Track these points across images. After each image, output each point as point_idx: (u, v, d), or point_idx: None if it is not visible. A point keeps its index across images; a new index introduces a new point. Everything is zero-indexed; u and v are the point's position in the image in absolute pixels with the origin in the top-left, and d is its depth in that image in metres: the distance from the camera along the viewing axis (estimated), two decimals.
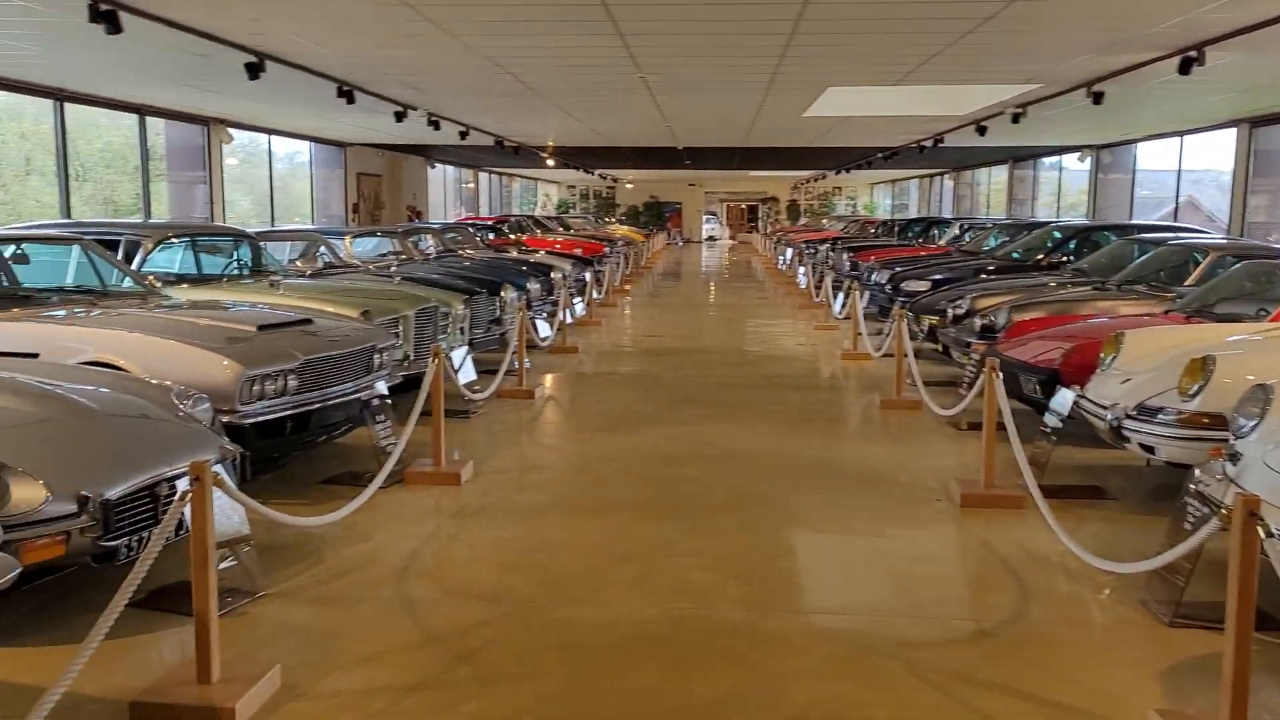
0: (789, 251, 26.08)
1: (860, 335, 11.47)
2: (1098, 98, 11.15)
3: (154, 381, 5.20)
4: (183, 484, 4.34)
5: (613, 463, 7.02)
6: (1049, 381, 6.88)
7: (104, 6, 7.18)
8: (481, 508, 5.93)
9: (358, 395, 6.34)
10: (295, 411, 5.98)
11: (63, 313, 6.27)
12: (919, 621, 4.31)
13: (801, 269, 20.73)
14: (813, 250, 22.74)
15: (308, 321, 6.68)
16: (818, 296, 17.07)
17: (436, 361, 6.40)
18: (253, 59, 9.23)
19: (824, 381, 10.51)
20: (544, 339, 10.89)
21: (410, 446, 5.90)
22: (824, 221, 37.64)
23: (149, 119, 14.54)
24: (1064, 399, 6.22)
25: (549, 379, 10.21)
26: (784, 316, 16.66)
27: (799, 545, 5.40)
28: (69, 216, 12.58)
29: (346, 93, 11.39)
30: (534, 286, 12.36)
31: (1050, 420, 6.26)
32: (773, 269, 28.54)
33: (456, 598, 4.56)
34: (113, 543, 4.09)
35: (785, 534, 5.53)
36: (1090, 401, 6.06)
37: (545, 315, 11.26)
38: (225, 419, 5.53)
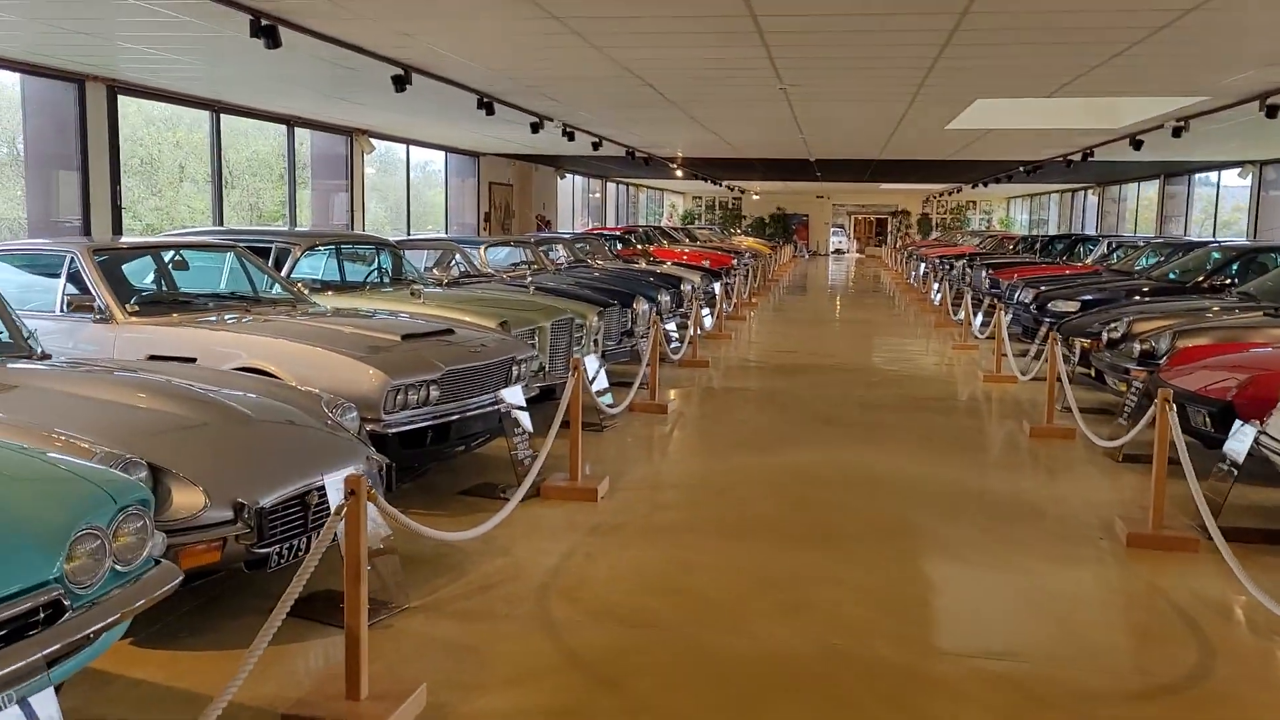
0: (921, 267, 25.40)
1: (1004, 357, 11.00)
2: (1272, 111, 10.43)
3: (304, 389, 5.26)
4: (332, 494, 4.36)
5: (752, 483, 6.84)
6: (1221, 414, 6.40)
7: (265, 22, 7.38)
8: (619, 525, 5.83)
9: (496, 406, 6.32)
10: (436, 422, 5.99)
11: (218, 318, 6.44)
12: (1092, 672, 4.00)
13: (936, 285, 20.13)
14: (948, 266, 22.08)
15: (449, 331, 6.71)
16: (955, 315, 16.50)
17: (576, 375, 6.33)
18: (399, 71, 9.40)
19: (967, 404, 10.10)
20: (674, 352, 10.77)
21: (548, 459, 5.84)
22: (957, 236, 36.59)
23: (297, 129, 15.02)
24: (1244, 435, 5.75)
25: (680, 393, 10.08)
26: (918, 334, 16.17)
27: (954, 580, 5.12)
28: (221, 223, 13.06)
29: (486, 104, 11.52)
30: (664, 299, 12.27)
31: (1229, 457, 5.81)
32: (903, 284, 27.87)
33: (598, 619, 4.45)
34: (265, 550, 4.12)
35: (939, 567, 5.26)
36: (1272, 439, 5.60)
37: (675, 328, 11.16)
38: (369, 428, 5.57)
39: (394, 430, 5.71)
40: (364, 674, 3.54)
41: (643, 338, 10.34)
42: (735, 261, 20.70)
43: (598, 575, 5.03)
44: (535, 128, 13.76)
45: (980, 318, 13.69)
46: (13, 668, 2.59)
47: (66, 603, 2.82)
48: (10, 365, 4.85)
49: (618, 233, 21.11)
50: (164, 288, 7.28)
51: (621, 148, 18.74)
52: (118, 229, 11.10)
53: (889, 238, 49.38)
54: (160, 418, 4.39)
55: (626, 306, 10.51)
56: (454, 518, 5.82)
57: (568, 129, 14.85)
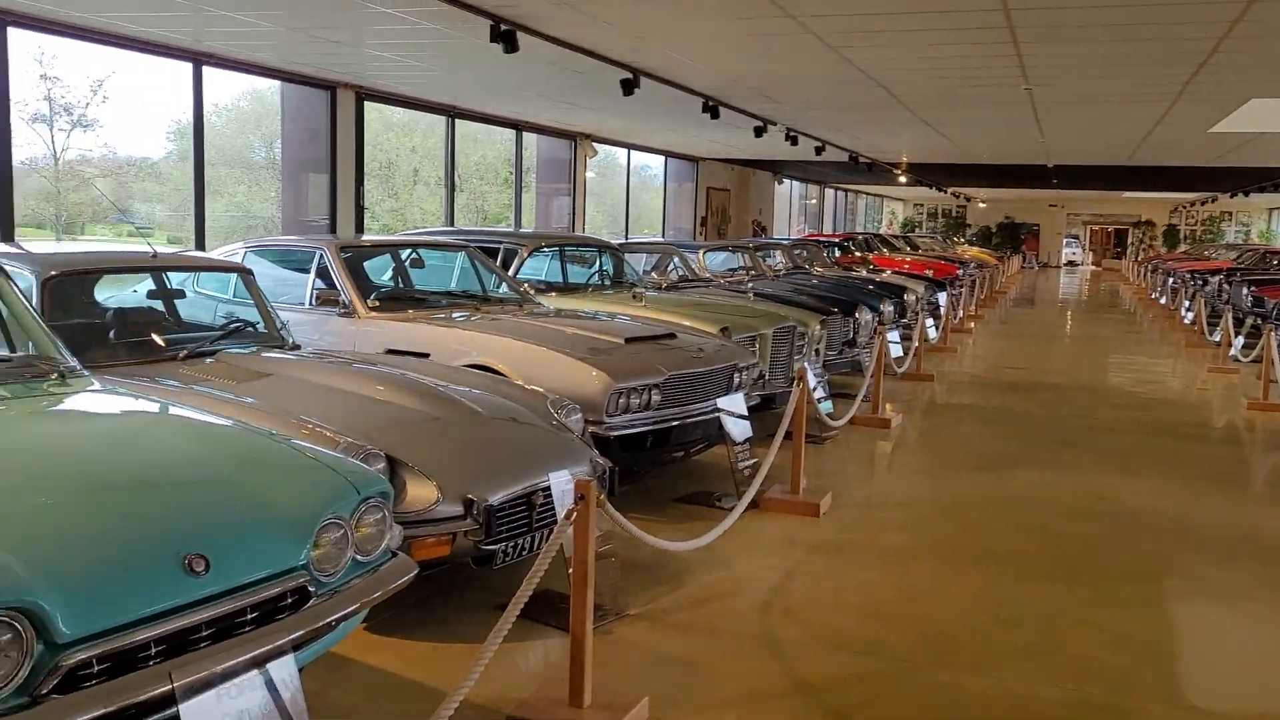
0: (1168, 281, 23.52)
1: (1273, 383, 9.92)
2: None
3: (531, 388, 5.28)
4: (557, 494, 4.33)
5: (986, 507, 6.40)
6: None
7: (504, 27, 7.55)
8: (843, 544, 5.56)
9: (716, 413, 6.17)
10: (657, 426, 5.91)
11: (450, 315, 6.60)
12: None
13: (1187, 302, 18.55)
14: (1200, 281, 20.32)
15: (671, 336, 6.62)
16: (1210, 334, 15.11)
17: (801, 385, 6.11)
18: (629, 75, 9.44)
19: (1228, 433, 9.16)
20: (898, 364, 10.33)
21: (766, 471, 5.65)
22: (1210, 250, 33.71)
23: (524, 134, 15.47)
24: None
25: (904, 407, 9.63)
26: (1166, 355, 14.92)
27: (1225, 630, 4.57)
28: (452, 223, 13.59)
29: (712, 108, 11.45)
30: (887, 308, 11.80)
31: None
32: (1146, 300, 25.91)
33: (824, 644, 4.22)
34: (492, 547, 4.12)
35: (1208, 614, 4.72)
36: None
37: (898, 339, 10.70)
38: (591, 430, 5.54)
39: (615, 433, 5.66)
40: (588, 682, 3.47)
41: (865, 348, 9.96)
42: (960, 271, 19.80)
43: (822, 596, 4.79)
44: (759, 132, 13.59)
45: (1241, 339, 12.46)
46: (263, 649, 2.64)
47: (311, 589, 2.86)
48: (265, 354, 5.11)
49: (836, 239, 20.62)
50: (401, 285, 7.56)
51: (844, 152, 18.29)
52: (360, 228, 11.72)
53: (1129, 250, 46.13)
54: (398, 411, 4.49)
55: (849, 315, 10.16)
56: (671, 525, 5.71)
57: (791, 133, 14.59)
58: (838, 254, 18.68)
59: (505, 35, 7.55)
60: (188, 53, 9.41)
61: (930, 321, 13.49)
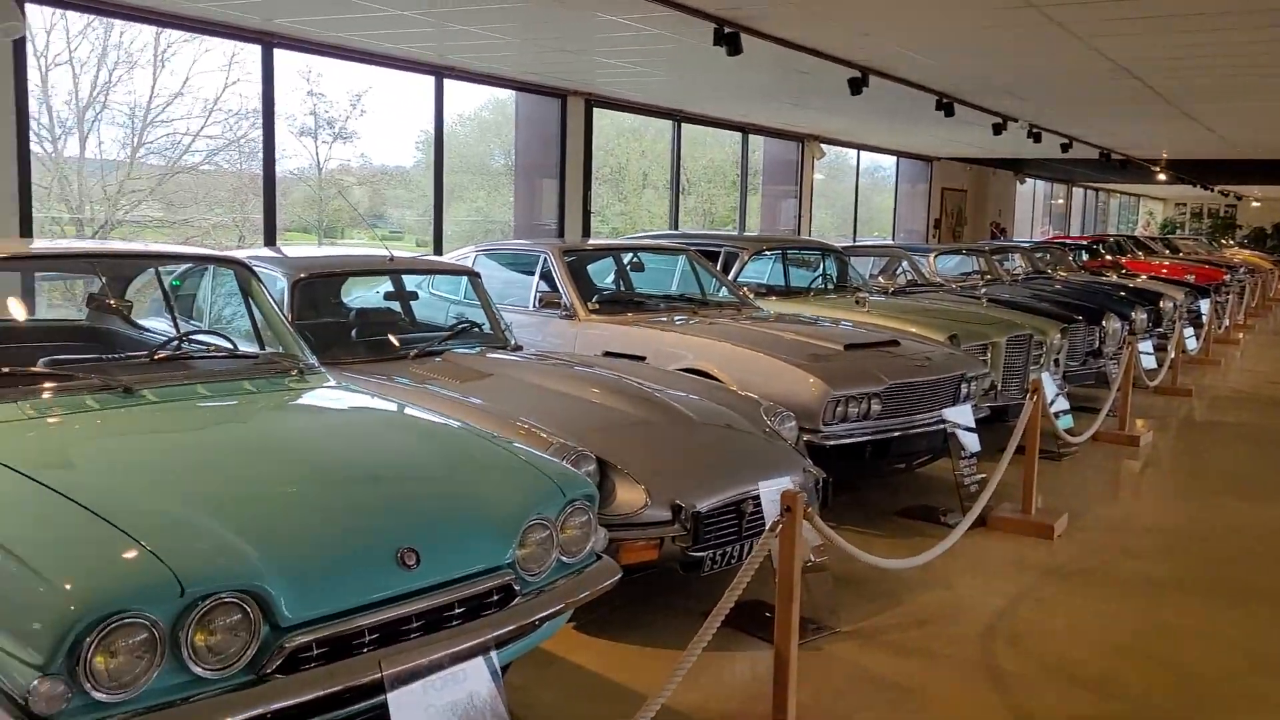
0: None
1: None
2: None
3: (744, 394, 5.21)
4: (767, 504, 4.24)
5: (1246, 537, 5.78)
6: None
7: (727, 30, 7.51)
8: (1080, 571, 5.15)
9: (942, 425, 5.88)
10: (876, 437, 5.69)
11: (667, 319, 6.62)
12: None
13: None
14: None
15: (894, 343, 6.37)
16: None
17: (1036, 397, 5.72)
18: (856, 74, 9.19)
19: None
20: (1150, 377, 9.52)
21: (993, 487, 5.31)
22: None
23: (751, 136, 15.41)
24: None
25: (1155, 424, 8.87)
26: None
27: None
28: (677, 227, 13.71)
29: (946, 105, 10.98)
30: (1139, 316, 10.91)
31: None
32: None
33: (1055, 678, 3.91)
34: (699, 554, 4.08)
35: None
36: None
37: (1151, 350, 9.86)
38: (806, 438, 5.39)
39: (831, 442, 5.49)
40: (792, 699, 3.36)
41: (1112, 359, 9.25)
42: (1227, 277, 18.10)
43: (1054, 626, 4.45)
44: (997, 129, 12.92)
45: None
46: (468, 644, 2.70)
47: (516, 588, 2.91)
48: (489, 355, 5.29)
49: (1084, 242, 19.34)
50: (622, 288, 7.66)
51: (1094, 149, 17.12)
52: (586, 232, 12.01)
53: None
54: (610, 414, 4.53)
55: (1094, 323, 9.46)
56: (889, 540, 5.49)
57: (1033, 130, 13.78)
58: (1085, 258, 17.53)
59: (729, 38, 7.51)
60: (431, 66, 9.94)
61: (1190, 331, 12.38)
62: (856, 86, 9.28)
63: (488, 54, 9.40)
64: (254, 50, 8.39)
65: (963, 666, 3.99)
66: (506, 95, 12.09)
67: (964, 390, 6.31)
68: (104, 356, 3.66)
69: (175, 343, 3.76)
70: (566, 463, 3.88)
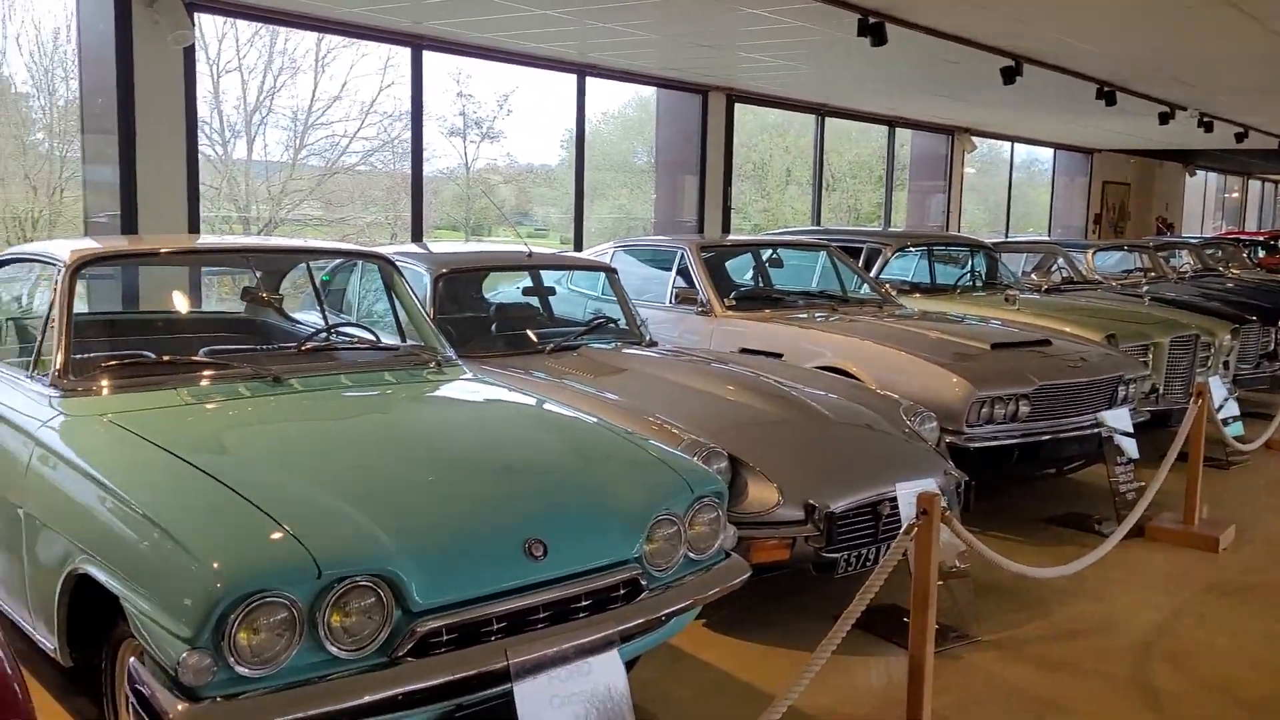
0: None
1: None
2: None
3: (884, 393, 5.07)
4: (904, 506, 4.11)
5: None
6: None
7: (872, 20, 7.34)
8: (1246, 587, 4.82)
9: (1096, 429, 5.58)
10: (1024, 440, 5.46)
11: (806, 316, 6.51)
12: None
13: None
14: None
15: (1046, 342, 6.09)
16: None
17: (1200, 402, 5.38)
18: (1009, 63, 8.84)
19: None
20: None
21: (1152, 495, 5.02)
22: None
23: (898, 130, 15.03)
24: None
25: None
26: None
27: None
28: (819, 223, 13.50)
29: (1107, 94, 10.44)
30: None
31: None
32: None
33: (1216, 698, 3.67)
34: (833, 555, 3.99)
35: None
36: None
37: None
38: (948, 440, 5.21)
39: (976, 445, 5.29)
40: (926, 707, 3.25)
41: None
42: None
43: (1216, 644, 4.17)
44: (1164, 118, 12.23)
45: None
46: (594, 637, 2.70)
47: (643, 583, 2.90)
48: (624, 350, 5.30)
49: (1260, 238, 18.15)
50: (760, 284, 7.58)
51: (1273, 138, 16.01)
52: (726, 228, 11.95)
53: None
54: (744, 411, 4.47)
55: (1270, 324, 8.86)
56: (1038, 548, 5.25)
57: (1204, 118, 12.97)
58: (1261, 254, 16.46)
59: (873, 28, 7.33)
60: (573, 65, 10.06)
61: None
62: (1010, 76, 8.93)
63: (629, 51, 9.44)
64: (405, 53, 8.66)
65: (1114, 683, 3.78)
66: (649, 93, 12.14)
67: (1121, 393, 5.99)
68: (257, 347, 3.83)
69: (322, 335, 3.91)
70: (698, 460, 3.86)
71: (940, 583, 4.01)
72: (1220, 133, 13.96)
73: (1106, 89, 10.37)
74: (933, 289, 8.51)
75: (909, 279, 8.77)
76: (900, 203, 16.80)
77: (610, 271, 6.04)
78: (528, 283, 6.04)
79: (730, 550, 3.27)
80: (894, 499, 4.08)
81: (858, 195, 22.78)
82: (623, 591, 2.85)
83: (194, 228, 7.26)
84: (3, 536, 3.11)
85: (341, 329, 4.08)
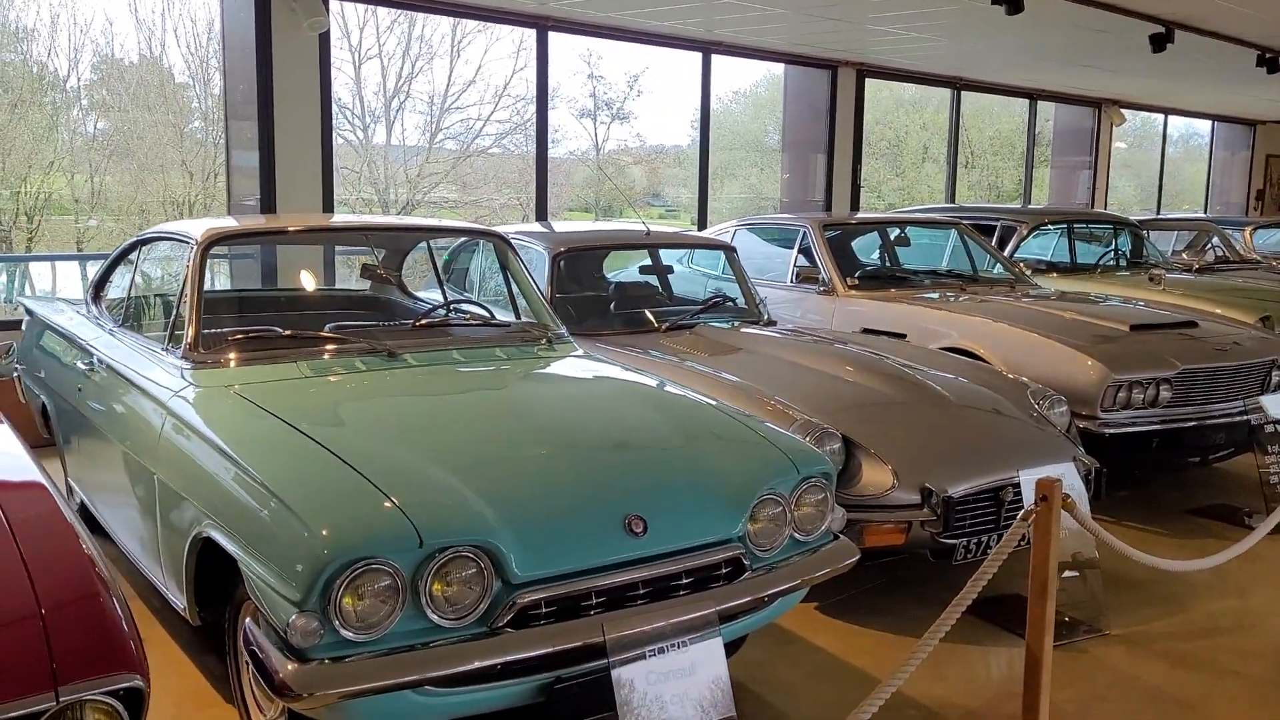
0: None
1: None
2: None
3: (1011, 376, 4.88)
4: (1027, 492, 3.94)
5: None
6: None
7: None
8: None
9: (1247, 416, 5.24)
10: (1165, 426, 5.17)
11: (933, 295, 6.32)
12: None
13: None
14: None
15: (1191, 324, 5.75)
16: None
17: None
18: (1159, 29, 8.33)
19: None
20: None
21: None
22: None
23: (1039, 103, 14.40)
24: None
25: None
26: None
27: None
28: (953, 200, 13.07)
29: (1269, 60, 9.74)
30: None
31: None
32: None
33: None
34: (951, 540, 3.86)
35: None
36: None
37: None
38: (1082, 425, 4.99)
39: (1111, 431, 5.04)
40: (1044, 702, 3.10)
41: None
42: None
43: None
44: None
45: None
46: (691, 616, 2.68)
47: (746, 562, 2.86)
48: (741, 329, 5.25)
49: None
50: (886, 263, 7.39)
51: None
52: (855, 206, 11.69)
53: None
54: (861, 392, 4.37)
55: None
56: (1177, 540, 4.98)
57: None
58: None
59: None
60: (699, 43, 9.98)
61: None
62: (1160, 43, 8.42)
63: (756, 27, 9.29)
64: (532, 35, 8.75)
65: (1255, 684, 3.56)
66: (780, 71, 11.95)
67: (1276, 378, 5.61)
68: (377, 324, 3.94)
69: (437, 311, 3.98)
70: (810, 440, 3.80)
71: (1067, 574, 3.86)
72: None
73: (1268, 55, 9.68)
74: (1072, 269, 8.15)
75: (1048, 258, 8.42)
76: (1044, 180, 16.11)
77: (729, 250, 5.98)
78: (646, 262, 6.04)
79: (839, 533, 3.19)
80: (1018, 485, 3.93)
81: (999, 172, 21.97)
82: (725, 570, 2.81)
83: (328, 209, 7.51)
84: (139, 500, 3.29)
85: (458, 306, 4.15)
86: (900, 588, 4.29)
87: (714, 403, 3.43)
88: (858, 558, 3.16)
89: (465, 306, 4.18)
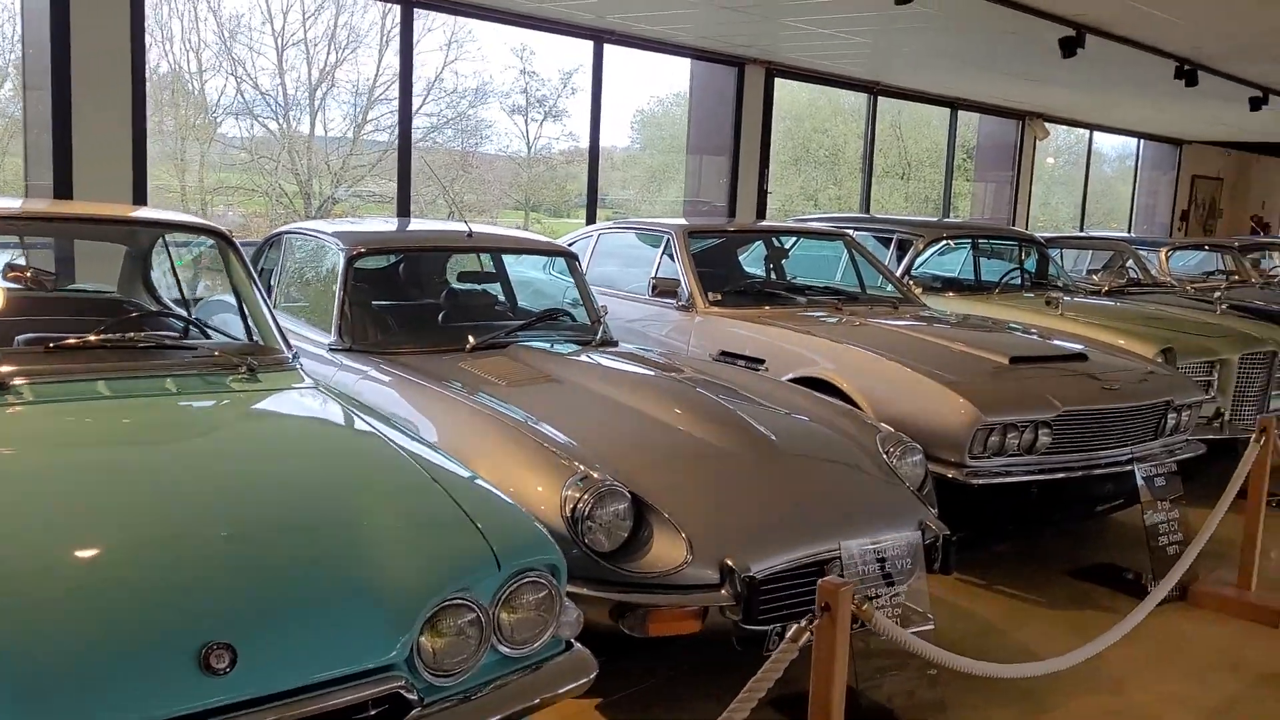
0: None
1: None
2: None
3: (863, 417, 4.16)
4: (851, 566, 3.24)
5: None
6: None
7: None
8: None
9: (1131, 466, 4.61)
10: (1044, 477, 4.50)
11: (802, 316, 5.60)
12: None
13: None
14: None
15: (1080, 357, 5.10)
16: None
17: (1266, 438, 4.37)
18: (1069, 32, 7.75)
19: None
20: None
21: (1207, 545, 4.06)
22: None
23: (961, 113, 13.87)
24: None
25: None
26: None
27: None
28: (868, 210, 12.48)
29: (1187, 73, 9.23)
30: None
31: None
32: None
33: None
34: (758, 628, 3.12)
35: None
36: None
37: None
38: (950, 474, 4.31)
39: (981, 481, 4.35)
40: None
41: None
42: None
43: None
44: (1255, 103, 10.92)
45: None
46: None
47: (411, 697, 2.07)
48: (561, 351, 4.48)
49: None
50: (772, 276, 6.69)
51: None
52: (761, 214, 11.01)
53: None
54: (673, 438, 3.61)
55: None
56: (1050, 610, 4.33)
57: None
58: None
59: None
60: (589, 30, 9.21)
61: None
62: (1070, 47, 7.84)
63: (655, 13, 8.53)
64: (477, 28, 7.97)
65: None
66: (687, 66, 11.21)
67: (1171, 421, 4.99)
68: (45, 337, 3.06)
69: (106, 325, 3.03)
70: (589, 499, 3.06)
71: (891, 674, 3.16)
72: None
73: (1187, 67, 9.17)
74: (970, 288, 7.53)
75: (954, 275, 7.80)
76: (968, 191, 15.64)
77: (570, 257, 5.22)
78: (475, 268, 5.27)
79: (574, 639, 2.43)
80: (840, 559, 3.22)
81: (935, 184, 21.56)
82: (374, 712, 2.03)
83: (140, 198, 6.62)
84: None
85: (144, 319, 3.31)
86: (697, 676, 3.53)
87: (428, 463, 2.62)
88: (594, 675, 2.40)
89: (170, 318, 3.34)
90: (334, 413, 2.89)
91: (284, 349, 3.18)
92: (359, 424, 2.80)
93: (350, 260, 4.48)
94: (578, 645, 2.43)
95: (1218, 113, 12.99)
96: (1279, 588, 4.50)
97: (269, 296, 5.04)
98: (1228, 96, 10.82)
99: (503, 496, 2.54)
